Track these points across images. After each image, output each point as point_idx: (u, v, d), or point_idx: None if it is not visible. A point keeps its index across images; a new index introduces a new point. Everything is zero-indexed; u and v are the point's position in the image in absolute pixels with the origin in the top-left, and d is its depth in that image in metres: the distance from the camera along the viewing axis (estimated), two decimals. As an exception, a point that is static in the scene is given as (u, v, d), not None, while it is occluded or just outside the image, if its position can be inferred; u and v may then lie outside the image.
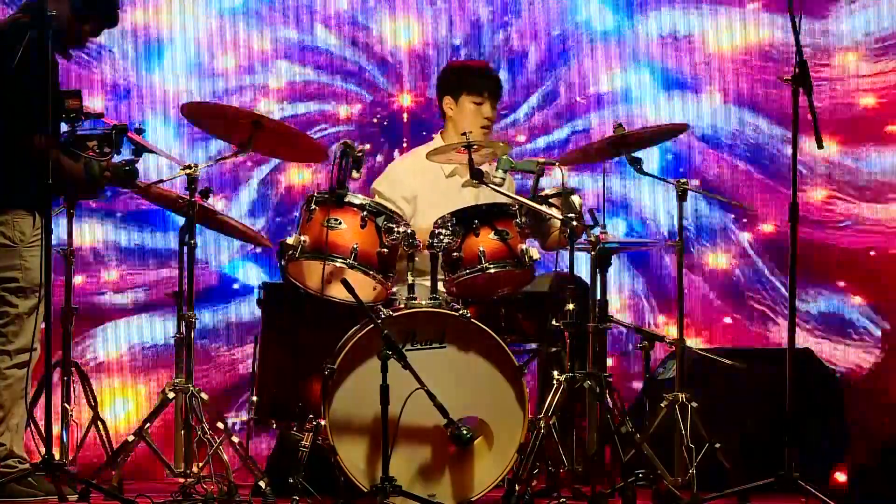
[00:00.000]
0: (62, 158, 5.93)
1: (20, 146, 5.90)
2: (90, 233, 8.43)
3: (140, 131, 6.30)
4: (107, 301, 8.42)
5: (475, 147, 6.27)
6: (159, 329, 8.40)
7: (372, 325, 5.88)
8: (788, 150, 6.24)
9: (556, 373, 6.22)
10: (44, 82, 5.73)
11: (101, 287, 8.42)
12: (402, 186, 6.96)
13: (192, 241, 6.33)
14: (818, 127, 6.00)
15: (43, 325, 5.96)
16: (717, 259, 8.53)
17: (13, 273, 6.01)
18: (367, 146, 7.08)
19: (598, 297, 6.31)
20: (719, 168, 8.50)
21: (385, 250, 6.13)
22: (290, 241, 6.15)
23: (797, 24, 6.04)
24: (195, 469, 6.18)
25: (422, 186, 6.95)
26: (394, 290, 6.26)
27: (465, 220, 6.21)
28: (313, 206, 6.16)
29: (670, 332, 7.62)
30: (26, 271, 6.00)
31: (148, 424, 6.30)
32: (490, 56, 8.52)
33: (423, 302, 6.13)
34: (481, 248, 6.18)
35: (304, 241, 6.12)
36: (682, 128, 6.83)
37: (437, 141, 7.07)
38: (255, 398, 6.58)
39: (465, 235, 6.20)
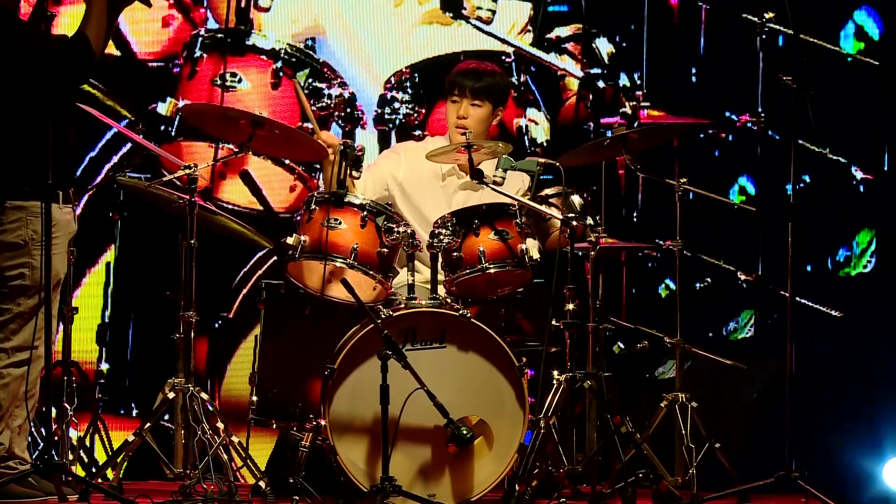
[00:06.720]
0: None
1: (38, 134, 5.85)
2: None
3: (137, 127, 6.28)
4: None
5: (475, 147, 6.26)
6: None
7: (372, 325, 5.88)
8: None
9: (556, 373, 6.22)
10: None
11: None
12: (399, 168, 6.77)
13: (193, 242, 6.33)
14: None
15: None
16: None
17: (21, 270, 5.99)
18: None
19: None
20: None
21: (385, 250, 6.12)
22: (290, 241, 6.15)
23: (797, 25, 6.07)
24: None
25: (416, 178, 6.82)
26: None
27: (465, 220, 6.21)
28: (313, 206, 6.16)
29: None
30: (34, 270, 5.98)
31: (148, 424, 6.30)
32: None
33: (423, 302, 6.13)
34: (481, 248, 6.18)
35: (304, 241, 6.12)
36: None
37: (443, 139, 6.93)
38: (255, 398, 6.58)
39: (465, 235, 6.19)
